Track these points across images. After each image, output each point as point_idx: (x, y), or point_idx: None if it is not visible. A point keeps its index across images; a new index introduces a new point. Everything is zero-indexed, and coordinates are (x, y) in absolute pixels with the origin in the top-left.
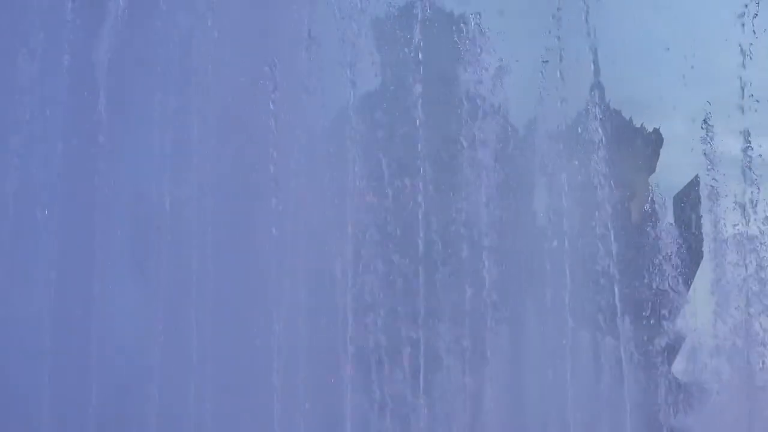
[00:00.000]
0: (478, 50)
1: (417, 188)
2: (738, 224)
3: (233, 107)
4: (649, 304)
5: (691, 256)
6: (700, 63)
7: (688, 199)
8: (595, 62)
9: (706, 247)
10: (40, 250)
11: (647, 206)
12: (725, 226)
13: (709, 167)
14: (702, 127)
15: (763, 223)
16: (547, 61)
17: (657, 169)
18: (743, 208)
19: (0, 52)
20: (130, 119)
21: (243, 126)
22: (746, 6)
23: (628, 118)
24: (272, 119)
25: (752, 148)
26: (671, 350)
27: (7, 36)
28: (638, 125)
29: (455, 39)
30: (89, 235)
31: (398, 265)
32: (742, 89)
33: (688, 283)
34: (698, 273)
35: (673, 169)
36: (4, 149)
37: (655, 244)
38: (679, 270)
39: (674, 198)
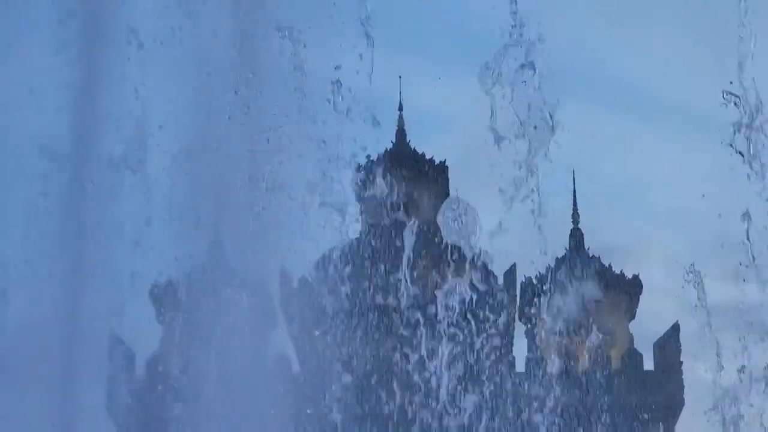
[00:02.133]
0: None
1: None
2: (718, 371)
3: None
4: None
5: (670, 404)
6: (679, 208)
7: (668, 346)
8: (575, 209)
9: (686, 394)
10: None
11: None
12: (705, 372)
13: (689, 313)
14: (688, 273)
15: (739, 371)
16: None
17: (637, 315)
18: (720, 355)
19: None
20: None
21: None
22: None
23: (607, 264)
24: None
25: (733, 294)
26: None
27: None
28: (618, 271)
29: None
30: None
31: None
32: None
33: (669, 430)
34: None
35: (654, 315)
36: None
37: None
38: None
39: (654, 344)
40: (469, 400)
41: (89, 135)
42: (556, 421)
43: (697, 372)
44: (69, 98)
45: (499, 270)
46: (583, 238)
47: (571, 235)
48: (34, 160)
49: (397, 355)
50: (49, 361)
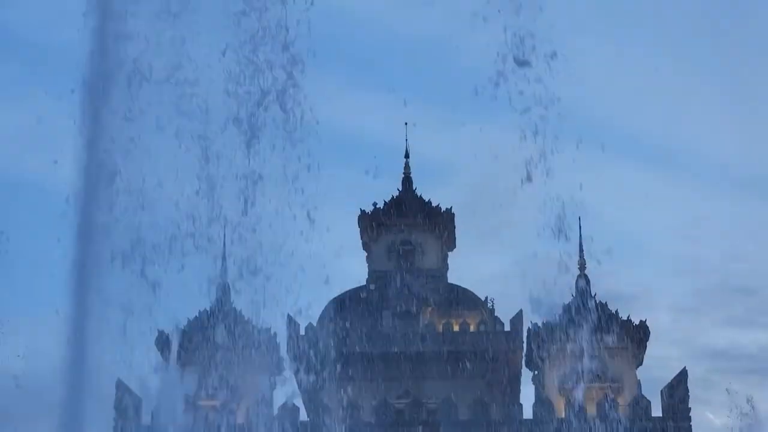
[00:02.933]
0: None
1: None
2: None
3: None
4: None
5: None
6: (685, 255)
7: (676, 392)
8: (582, 256)
9: None
10: None
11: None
12: (714, 418)
13: (696, 359)
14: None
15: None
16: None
17: (644, 362)
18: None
19: None
20: None
21: None
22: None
23: (614, 310)
24: None
25: (738, 340)
26: None
27: None
28: (625, 317)
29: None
30: None
31: None
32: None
33: None
34: None
35: (661, 361)
36: None
37: None
38: None
39: (662, 390)
40: None
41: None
42: None
43: (705, 417)
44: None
45: (505, 317)
46: (589, 285)
47: (577, 282)
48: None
49: (405, 402)
50: (58, 409)
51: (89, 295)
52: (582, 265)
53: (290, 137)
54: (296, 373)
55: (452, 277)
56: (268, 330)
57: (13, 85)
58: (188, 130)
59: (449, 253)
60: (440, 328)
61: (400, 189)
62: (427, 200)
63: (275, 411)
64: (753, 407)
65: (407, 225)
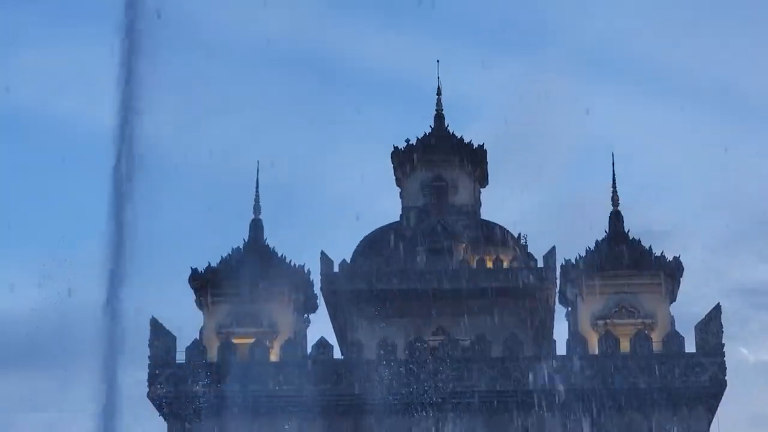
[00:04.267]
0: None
1: None
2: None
3: None
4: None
5: (712, 386)
6: (720, 190)
7: (709, 328)
8: (615, 192)
9: (728, 376)
10: None
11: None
12: (748, 353)
13: (730, 295)
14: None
15: None
16: None
17: (678, 298)
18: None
19: None
20: None
21: None
22: None
23: (648, 246)
24: None
25: None
26: None
27: None
28: (658, 253)
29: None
30: None
31: None
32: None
33: (712, 412)
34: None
35: (695, 297)
36: None
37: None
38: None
39: (696, 326)
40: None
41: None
42: (596, 403)
43: (739, 353)
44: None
45: (538, 253)
46: (623, 221)
47: (610, 218)
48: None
49: (438, 340)
50: (93, 347)
51: (124, 233)
52: (615, 201)
53: (325, 77)
54: (330, 310)
55: (485, 214)
56: (302, 267)
57: (48, 26)
58: (219, 69)
59: (482, 190)
60: (474, 264)
61: (433, 126)
62: (459, 137)
63: (309, 349)
64: None
65: (440, 162)
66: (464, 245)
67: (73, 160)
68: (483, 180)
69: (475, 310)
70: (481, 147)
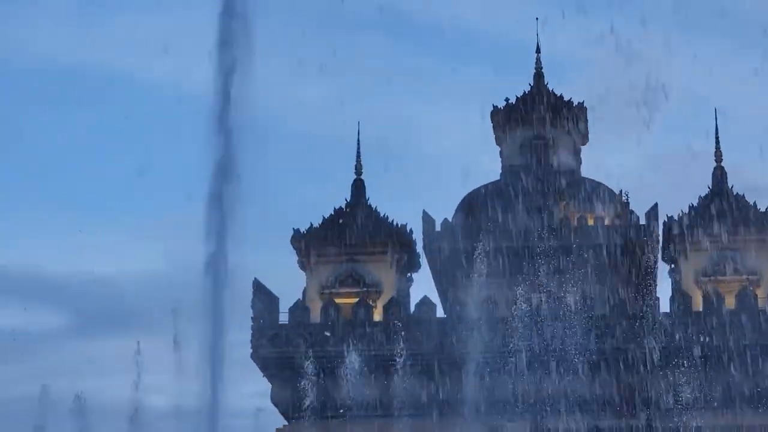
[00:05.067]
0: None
1: None
2: None
3: None
4: None
5: None
6: None
7: None
8: (718, 148)
9: None
10: None
11: None
12: None
13: None
14: None
15: None
16: None
17: None
18: None
19: None
20: None
21: None
22: None
23: (752, 202)
24: None
25: None
26: None
27: None
28: (762, 209)
29: None
30: None
31: None
32: None
33: None
34: None
35: None
36: None
37: None
38: None
39: None
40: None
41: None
42: (700, 359)
43: None
44: None
45: (640, 210)
46: (726, 177)
47: (714, 174)
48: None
49: (540, 297)
50: (198, 309)
51: (227, 196)
52: (718, 157)
53: (423, 37)
54: (432, 269)
55: (586, 171)
56: (404, 226)
57: None
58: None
59: (582, 147)
60: (574, 222)
61: (532, 84)
62: (558, 95)
63: (412, 308)
64: None
65: (539, 120)
66: (565, 203)
67: (173, 123)
68: (583, 137)
69: (576, 267)
70: (581, 104)
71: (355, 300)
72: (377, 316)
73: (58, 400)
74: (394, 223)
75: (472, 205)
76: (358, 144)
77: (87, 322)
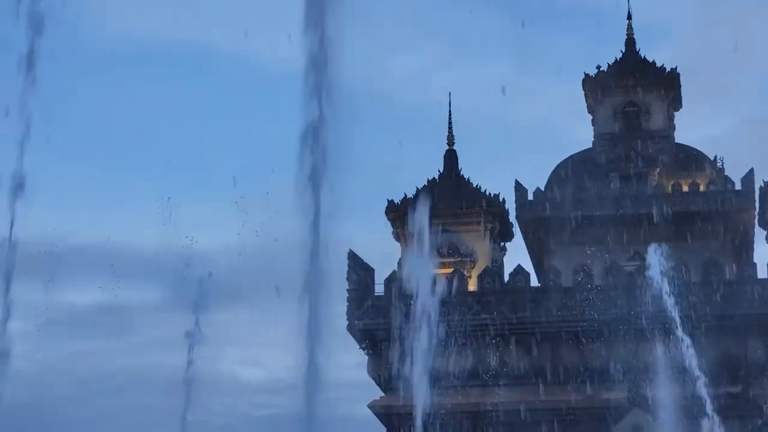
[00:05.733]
0: None
1: None
2: None
3: None
4: None
5: None
6: None
7: None
8: None
9: None
10: None
11: None
12: None
13: None
14: None
15: None
16: None
17: None
18: None
19: None
20: None
21: None
22: None
23: None
24: None
25: None
26: None
27: None
28: None
29: None
30: None
31: None
32: None
33: None
34: None
35: None
36: None
37: None
38: None
39: None
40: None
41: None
42: None
43: None
44: None
45: (735, 176)
46: None
47: None
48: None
49: (634, 265)
50: (293, 281)
51: (321, 168)
52: None
53: (515, 5)
54: (525, 238)
55: (679, 137)
56: (497, 196)
57: None
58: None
59: (675, 113)
60: (669, 189)
61: (624, 51)
62: (651, 61)
63: (506, 277)
64: None
65: (632, 87)
66: (659, 170)
67: (266, 96)
68: (676, 103)
69: (671, 234)
70: (673, 70)
71: (450, 270)
72: (471, 285)
73: (157, 372)
74: (487, 192)
75: (564, 173)
76: (450, 114)
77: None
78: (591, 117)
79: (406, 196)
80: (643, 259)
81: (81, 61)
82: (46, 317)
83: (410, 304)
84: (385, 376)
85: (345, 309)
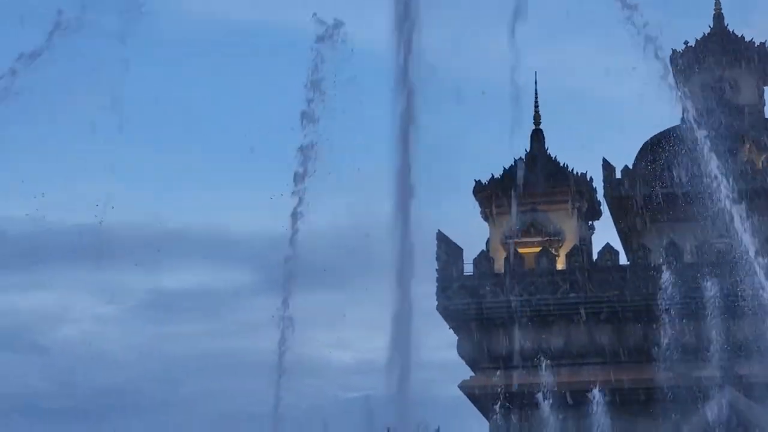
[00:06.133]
0: None
1: None
2: None
3: None
4: None
5: None
6: None
7: None
8: None
9: None
10: None
11: None
12: None
13: None
14: None
15: None
16: None
17: None
18: None
19: None
20: None
21: None
22: None
23: None
24: None
25: None
26: None
27: None
28: None
29: None
30: None
31: None
32: None
33: None
34: None
35: None
36: None
37: None
38: None
39: None
40: None
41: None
42: None
43: None
44: None
45: None
46: None
47: None
48: None
49: (725, 242)
50: (383, 262)
51: (410, 149)
52: None
53: None
54: (613, 216)
55: None
56: (584, 174)
57: None
58: None
59: (765, 88)
60: (760, 164)
61: (711, 26)
62: (739, 35)
63: (595, 255)
64: None
65: (720, 62)
66: (748, 145)
67: (354, 79)
68: (766, 78)
69: (763, 210)
70: (762, 44)
71: (538, 249)
72: (560, 264)
73: (248, 356)
74: (575, 171)
75: (652, 150)
76: (536, 94)
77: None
78: (679, 93)
79: (493, 176)
80: (736, 236)
81: (170, 46)
82: (139, 300)
83: (499, 284)
84: (474, 355)
85: (434, 289)
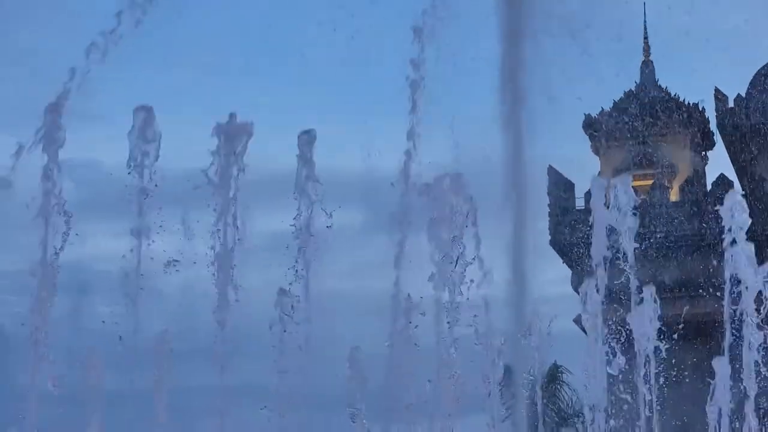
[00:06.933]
0: None
1: None
2: None
3: None
4: None
5: None
6: None
7: None
8: None
9: None
10: None
11: None
12: None
13: None
14: None
15: None
16: None
17: None
18: None
19: None
20: None
21: None
22: None
23: None
24: None
25: None
26: None
27: None
28: None
29: None
30: None
31: None
32: None
33: None
34: None
35: None
36: None
37: None
38: None
39: None
40: None
41: None
42: None
43: None
44: None
45: None
46: None
47: None
48: None
49: None
50: (498, 199)
51: (519, 84)
52: None
53: None
54: (727, 146)
55: None
56: (696, 105)
57: None
58: None
59: None
60: None
61: None
62: None
63: (708, 187)
64: None
65: None
66: None
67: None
68: None
69: None
70: None
71: (651, 181)
72: (673, 196)
73: (361, 296)
74: (686, 102)
75: (765, 79)
76: (645, 25)
77: (383, 219)
78: None
79: (603, 109)
80: None
81: None
82: (240, 242)
83: (611, 218)
84: None
85: (547, 225)
